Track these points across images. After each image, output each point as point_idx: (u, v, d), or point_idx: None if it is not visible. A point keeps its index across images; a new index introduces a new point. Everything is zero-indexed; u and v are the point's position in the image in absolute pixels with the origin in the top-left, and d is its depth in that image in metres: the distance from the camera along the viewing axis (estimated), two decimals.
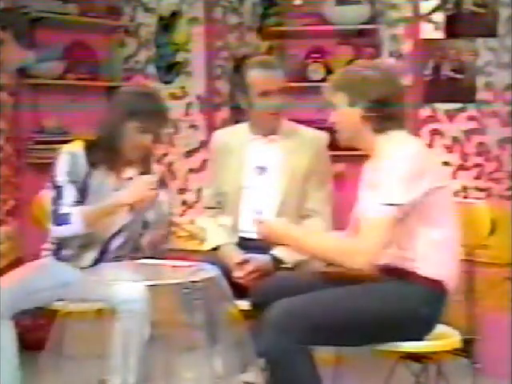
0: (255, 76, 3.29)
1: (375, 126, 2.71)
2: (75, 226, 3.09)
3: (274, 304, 2.58)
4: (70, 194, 3.14)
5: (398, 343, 2.62)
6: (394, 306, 2.58)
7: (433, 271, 2.63)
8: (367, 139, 2.74)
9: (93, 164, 3.17)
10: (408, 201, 2.57)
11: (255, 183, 3.34)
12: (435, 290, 2.64)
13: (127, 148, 3.16)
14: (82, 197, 3.16)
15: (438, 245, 2.64)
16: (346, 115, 2.74)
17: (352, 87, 2.72)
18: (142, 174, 3.25)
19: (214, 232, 3.32)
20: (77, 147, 3.20)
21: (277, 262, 3.18)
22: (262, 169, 3.34)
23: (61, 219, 3.11)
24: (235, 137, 3.42)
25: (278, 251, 3.19)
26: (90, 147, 3.19)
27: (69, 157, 3.17)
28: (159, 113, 3.16)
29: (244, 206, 3.34)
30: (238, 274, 3.13)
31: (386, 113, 2.70)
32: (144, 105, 3.12)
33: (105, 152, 3.16)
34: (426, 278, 2.61)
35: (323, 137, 3.40)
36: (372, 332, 2.59)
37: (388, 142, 2.68)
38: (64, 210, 3.11)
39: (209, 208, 3.43)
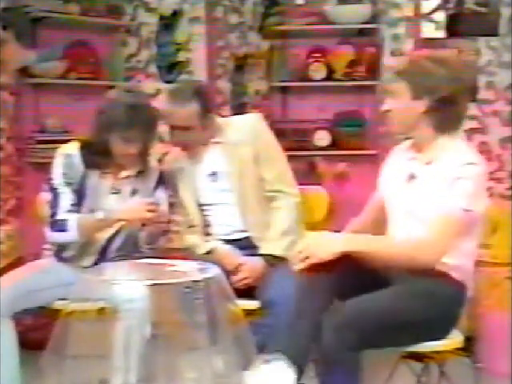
0: (164, 110, 3.26)
1: (437, 124, 2.66)
2: (70, 234, 3.11)
3: (337, 305, 2.55)
4: (66, 198, 3.15)
5: None
6: (437, 305, 2.58)
7: (463, 274, 2.68)
8: (424, 135, 2.68)
9: (88, 166, 3.17)
10: (481, 211, 2.60)
11: (211, 191, 3.34)
12: (463, 290, 2.69)
13: (115, 155, 3.16)
14: (79, 198, 3.16)
15: (471, 249, 2.70)
16: (407, 107, 2.66)
17: (418, 80, 2.63)
18: (140, 172, 3.25)
19: (201, 241, 3.34)
20: (72, 148, 3.20)
21: (268, 259, 3.19)
22: (214, 175, 3.33)
23: (57, 226, 3.13)
24: (181, 157, 3.41)
25: (264, 247, 3.21)
26: (86, 148, 3.19)
27: (64, 159, 3.18)
28: (141, 124, 3.11)
29: (212, 218, 3.36)
30: (232, 279, 3.15)
31: (450, 112, 2.66)
32: (125, 117, 3.08)
33: (98, 155, 3.16)
34: (458, 281, 2.66)
35: (255, 117, 3.41)
36: (420, 332, 2.59)
37: (453, 149, 2.64)
38: (61, 216, 3.12)
39: (189, 228, 3.42)
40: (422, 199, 2.64)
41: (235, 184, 3.28)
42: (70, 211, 3.14)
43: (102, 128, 3.13)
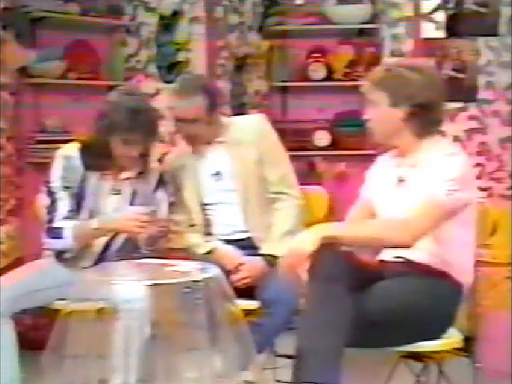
0: (170, 102, 3.28)
1: (417, 130, 2.71)
2: (66, 241, 3.12)
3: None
4: (63, 204, 3.14)
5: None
6: (432, 303, 2.59)
7: (459, 272, 2.68)
8: (405, 141, 2.73)
9: (88, 167, 3.17)
10: (467, 198, 2.61)
11: (215, 191, 3.34)
12: (459, 288, 2.69)
13: (116, 156, 3.16)
14: (79, 200, 3.16)
15: (468, 246, 2.71)
16: (386, 115, 2.71)
17: (395, 88, 2.68)
18: (140, 173, 3.25)
19: (200, 241, 3.34)
20: (72, 150, 3.20)
21: (269, 259, 3.20)
22: (218, 174, 3.33)
23: (53, 233, 3.13)
24: (183, 156, 3.41)
25: (265, 248, 3.22)
26: (86, 150, 3.18)
27: (63, 160, 3.18)
28: (143, 128, 3.10)
29: (214, 218, 3.36)
30: (232, 278, 3.15)
31: (428, 116, 2.70)
32: (126, 120, 3.07)
33: (98, 157, 3.16)
34: (454, 279, 2.66)
35: (260, 118, 3.42)
36: (415, 330, 2.59)
37: (435, 147, 2.68)
38: (57, 223, 3.12)
39: (189, 228, 3.41)
40: (413, 200, 2.64)
41: (238, 184, 3.29)
42: (66, 218, 3.13)
43: (102, 131, 3.13)
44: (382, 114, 2.71)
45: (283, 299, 2.95)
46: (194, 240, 3.35)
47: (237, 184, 3.29)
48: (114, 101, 3.17)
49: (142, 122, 3.09)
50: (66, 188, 3.16)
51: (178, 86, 3.31)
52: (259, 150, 3.29)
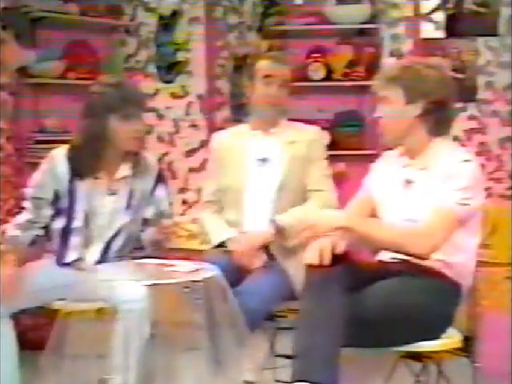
0: (263, 63, 3.33)
1: (430, 128, 2.69)
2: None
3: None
4: (25, 213, 3.14)
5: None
6: (430, 304, 2.58)
7: (458, 273, 2.68)
8: (416, 141, 2.71)
9: (78, 171, 3.14)
10: (478, 206, 2.61)
11: (256, 175, 3.33)
12: (458, 289, 2.69)
13: (119, 142, 3.12)
14: (71, 203, 3.13)
15: (471, 251, 2.71)
16: (401, 112, 2.68)
17: (412, 84, 2.65)
18: (137, 171, 3.22)
19: (218, 228, 3.32)
20: (60, 156, 3.17)
21: (279, 229, 3.19)
22: (264, 161, 3.34)
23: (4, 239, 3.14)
24: (235, 136, 3.44)
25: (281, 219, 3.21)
26: (75, 153, 3.15)
27: (47, 168, 3.15)
28: (135, 99, 3.13)
29: (246, 200, 3.33)
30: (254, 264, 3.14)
31: (442, 115, 2.68)
32: (118, 95, 3.09)
33: (90, 158, 3.12)
34: (452, 279, 2.66)
35: (319, 130, 3.48)
36: (412, 331, 2.58)
37: (446, 151, 2.67)
38: (8, 229, 3.14)
39: (209, 202, 3.42)
40: (421, 203, 2.64)
41: (281, 178, 3.29)
42: (22, 228, 3.13)
43: (98, 117, 3.10)
44: (396, 110, 2.69)
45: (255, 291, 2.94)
46: (212, 225, 3.34)
47: (279, 178, 3.29)
48: (96, 88, 3.17)
49: (132, 94, 3.14)
50: (37, 199, 3.13)
51: (275, 53, 3.55)
52: (308, 152, 3.32)
